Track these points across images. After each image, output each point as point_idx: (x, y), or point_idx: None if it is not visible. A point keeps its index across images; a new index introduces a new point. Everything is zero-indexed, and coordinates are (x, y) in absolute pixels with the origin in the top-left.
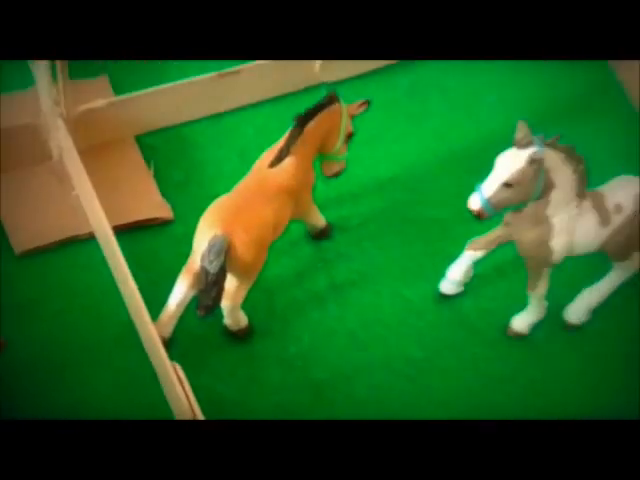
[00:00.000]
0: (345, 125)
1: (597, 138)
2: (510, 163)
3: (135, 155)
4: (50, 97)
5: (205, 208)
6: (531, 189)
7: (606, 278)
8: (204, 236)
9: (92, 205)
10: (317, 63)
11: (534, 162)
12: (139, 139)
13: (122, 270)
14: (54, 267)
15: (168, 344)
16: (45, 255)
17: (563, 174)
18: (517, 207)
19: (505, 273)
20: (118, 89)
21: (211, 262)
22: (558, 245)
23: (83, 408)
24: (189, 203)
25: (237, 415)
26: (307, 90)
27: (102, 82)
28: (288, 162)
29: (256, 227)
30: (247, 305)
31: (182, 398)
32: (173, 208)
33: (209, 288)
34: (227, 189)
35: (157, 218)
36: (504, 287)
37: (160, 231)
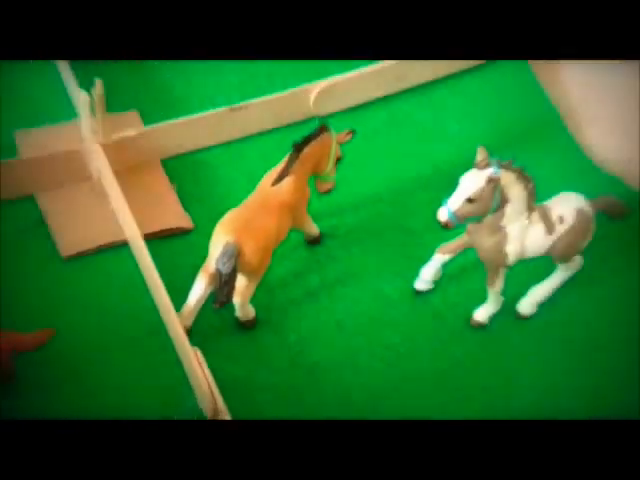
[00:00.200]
0: (334, 151)
1: (542, 161)
2: (472, 182)
3: (161, 175)
4: (90, 128)
5: (219, 220)
6: (489, 204)
7: (551, 277)
8: (218, 243)
9: (125, 216)
10: (311, 99)
11: (491, 181)
12: (164, 162)
13: (151, 271)
14: (94, 268)
15: (189, 332)
16: (86, 258)
17: (515, 191)
18: (478, 219)
19: (468, 273)
20: (146, 121)
21: (224, 265)
22: (512, 250)
23: (120, 386)
24: (206, 215)
25: (245, 390)
26: (302, 122)
27: (133, 115)
28: (287, 181)
29: (262, 236)
30: (254, 300)
31: (200, 376)
32: (192, 219)
33: (223, 286)
34: (236, 204)
35: (179, 227)
36: (468, 284)
37: (182, 238)
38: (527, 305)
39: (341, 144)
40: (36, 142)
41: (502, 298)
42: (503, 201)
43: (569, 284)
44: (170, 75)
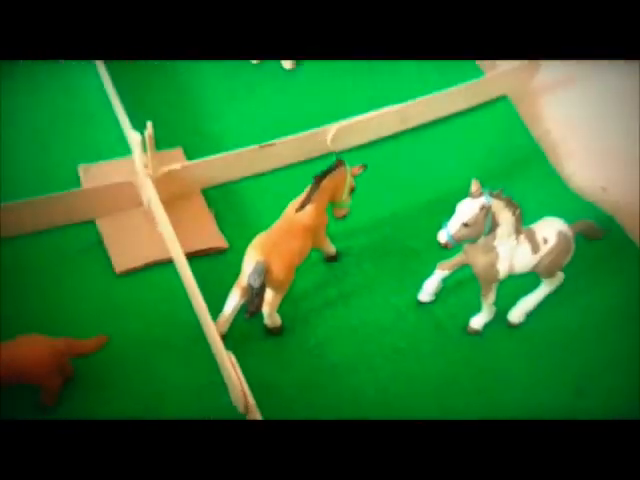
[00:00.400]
0: (349, 182)
1: (528, 190)
2: (467, 209)
3: (201, 203)
4: (142, 162)
5: (250, 241)
6: (482, 227)
7: (537, 290)
8: (250, 261)
9: (170, 238)
10: (329, 138)
11: (484, 208)
12: (204, 192)
13: (191, 285)
14: (143, 283)
15: (224, 338)
16: (136, 274)
17: (505, 216)
18: (473, 240)
19: (465, 287)
20: (189, 156)
21: (255, 280)
22: (502, 267)
23: (165, 390)
24: (239, 237)
25: (273, 389)
26: (321, 157)
27: (178, 152)
28: (309, 208)
29: (287, 255)
30: (280, 310)
31: (234, 377)
32: (228, 240)
33: (253, 299)
34: (265, 227)
35: (216, 247)
36: (464, 297)
37: (219, 257)
38: (517, 314)
39: (355, 176)
40: (96, 175)
41: (495, 308)
42: (494, 225)
43: (553, 296)
44: (210, 118)
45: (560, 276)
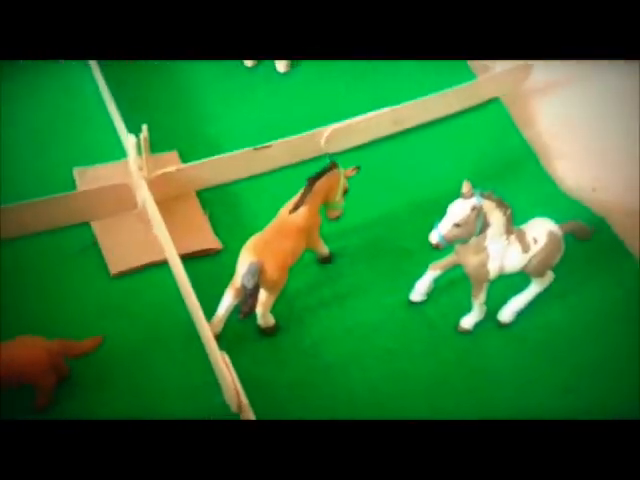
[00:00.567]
0: (342, 183)
1: (519, 191)
2: (458, 210)
3: (195, 205)
4: (137, 165)
5: (245, 242)
6: (473, 228)
7: (527, 289)
8: (244, 262)
9: (165, 239)
10: (323, 140)
11: (475, 209)
12: (199, 193)
13: (186, 286)
14: (138, 284)
15: (218, 339)
16: (132, 275)
17: (496, 217)
18: (464, 240)
19: (456, 286)
20: (184, 159)
21: (249, 281)
22: (493, 267)
23: (159, 390)
24: (234, 238)
25: (266, 388)
26: (316, 159)
27: (173, 154)
28: (303, 210)
29: (280, 256)
30: (274, 310)
31: (227, 377)
32: (222, 242)
33: (247, 299)
34: (260, 229)
35: (210, 248)
36: (456, 296)
37: (213, 258)
38: (507, 314)
39: (348, 178)
40: (91, 177)
41: (485, 308)
42: (485, 225)
43: (543, 295)
44: (206, 121)
45: (550, 276)
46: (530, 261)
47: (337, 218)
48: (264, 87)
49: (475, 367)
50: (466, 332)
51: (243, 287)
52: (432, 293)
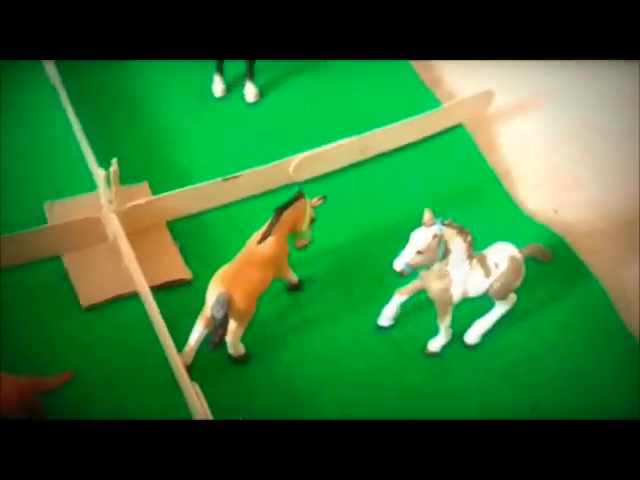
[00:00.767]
0: (309, 213)
1: (482, 215)
2: (421, 237)
3: (166, 235)
4: (107, 198)
5: (214, 273)
6: (435, 255)
7: (491, 312)
8: (212, 293)
9: (135, 271)
10: (291, 169)
11: (436, 236)
12: (169, 224)
13: (157, 317)
14: (109, 316)
15: (190, 369)
16: (103, 307)
17: (457, 243)
18: (427, 267)
19: (422, 310)
20: (155, 190)
21: (218, 311)
22: (456, 292)
23: (129, 416)
24: (204, 268)
25: (238, 415)
26: (285, 187)
27: (144, 186)
28: (271, 240)
29: (249, 286)
30: (245, 338)
31: (198, 407)
32: (193, 272)
33: (217, 329)
34: (230, 258)
35: (180, 279)
36: (422, 320)
37: (184, 289)
38: (472, 336)
39: (314, 207)
40: (62, 211)
41: (451, 330)
42: (447, 252)
43: (507, 317)
44: (175, 152)
45: (512, 298)
46: (492, 285)
47: (305, 247)
48: (233, 117)
49: (443, 388)
50: (433, 354)
51: (213, 317)
52: (399, 317)
